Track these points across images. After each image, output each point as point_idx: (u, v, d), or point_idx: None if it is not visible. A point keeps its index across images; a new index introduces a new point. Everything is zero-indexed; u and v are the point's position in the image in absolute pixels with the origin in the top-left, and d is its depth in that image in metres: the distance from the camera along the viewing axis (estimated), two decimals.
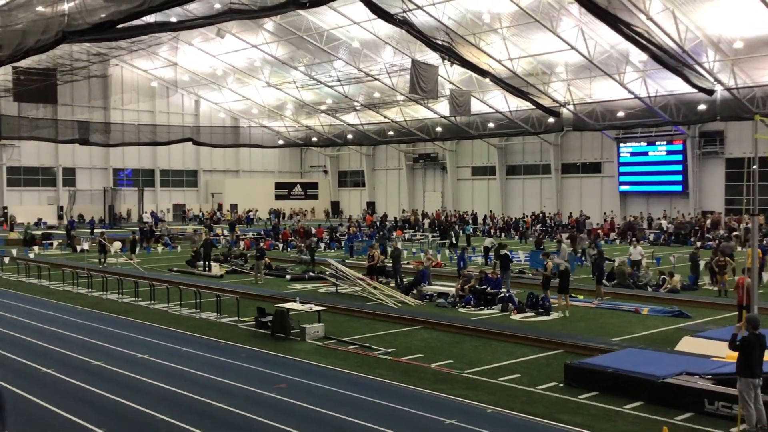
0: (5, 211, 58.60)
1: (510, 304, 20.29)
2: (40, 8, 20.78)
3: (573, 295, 21.35)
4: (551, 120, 45.80)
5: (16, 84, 50.65)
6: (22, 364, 14.34)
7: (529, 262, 30.52)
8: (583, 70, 42.00)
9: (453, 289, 22.09)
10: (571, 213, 51.90)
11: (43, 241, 41.48)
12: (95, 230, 46.86)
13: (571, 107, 44.99)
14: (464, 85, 45.54)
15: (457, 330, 17.44)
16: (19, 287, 26.00)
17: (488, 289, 21.29)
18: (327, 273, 25.62)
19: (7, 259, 32.18)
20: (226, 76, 59.20)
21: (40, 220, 58.28)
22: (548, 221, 51.46)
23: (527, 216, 53.18)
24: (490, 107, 49.39)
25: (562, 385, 12.51)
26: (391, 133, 57.65)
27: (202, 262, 30.14)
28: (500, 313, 20.02)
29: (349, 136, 61.11)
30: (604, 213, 50.64)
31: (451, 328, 17.60)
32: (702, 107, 39.89)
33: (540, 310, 19.82)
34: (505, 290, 21.54)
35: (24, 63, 39.27)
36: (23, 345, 16.16)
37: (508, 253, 24.67)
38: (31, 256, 34.85)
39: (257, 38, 49.04)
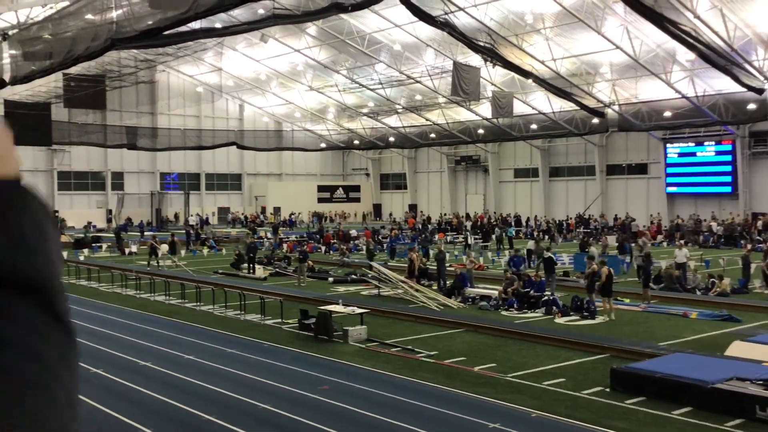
0: (56, 214, 60.22)
1: (554, 308, 20.06)
2: (89, 16, 21.30)
3: (618, 298, 21.02)
4: (595, 121, 45.16)
5: (66, 90, 51.99)
6: None
7: (573, 265, 30.13)
8: (628, 70, 41.35)
9: (496, 292, 21.93)
10: (616, 215, 51.10)
11: (93, 244, 42.46)
12: (145, 233, 47.77)
13: (616, 107, 44.32)
14: (506, 87, 45.21)
15: (500, 333, 17.31)
16: (69, 289, 26.61)
17: (532, 292, 21.08)
18: (369, 276, 25.69)
19: None
20: (270, 80, 59.85)
21: (89, 223, 59.70)
22: (593, 224, 50.75)
23: (571, 218, 52.53)
24: (533, 108, 48.93)
25: (608, 390, 12.32)
26: (432, 135, 57.55)
27: (246, 265, 30.51)
28: (544, 316, 19.82)
29: (391, 139, 61.21)
30: (651, 215, 49.72)
31: (494, 331, 17.48)
32: (752, 106, 38.90)
33: (585, 313, 19.56)
34: (549, 293, 21.31)
35: (74, 70, 40.22)
36: None
37: (552, 255, 24.41)
38: (81, 258, 35.69)
39: (300, 42, 49.48)
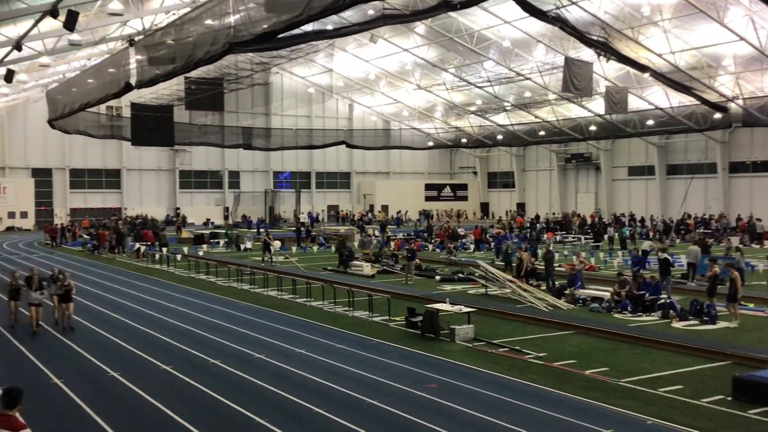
0: (178, 211, 63.37)
1: (671, 311, 19.24)
2: (208, 21, 22.23)
3: (743, 303, 19.89)
4: (717, 116, 42.87)
5: (187, 93, 54.75)
6: (192, 354, 15.42)
7: None
8: (753, 62, 39.06)
9: (608, 294, 21.27)
10: (739, 215, 48.34)
11: (211, 240, 44.37)
12: (261, 230, 49.39)
13: (740, 102, 41.96)
14: (621, 82, 43.72)
15: (612, 336, 16.77)
16: (189, 282, 27.96)
17: (647, 294, 20.29)
18: (476, 275, 25.52)
19: (179, 257, 34.70)
20: (379, 80, 60.56)
21: (208, 220, 62.47)
22: (714, 224, 48.22)
23: (688, 218, 50.10)
24: (650, 103, 47.08)
25: (729, 398, 11.70)
26: (542, 133, 56.42)
27: (353, 262, 31.01)
28: (660, 320, 19.03)
29: (499, 137, 60.49)
30: None
31: (607, 334, 16.95)
32: None
33: (705, 318, 18.64)
34: (665, 296, 20.45)
35: (195, 73, 42.24)
36: (193, 336, 17.38)
37: (669, 257, 23.41)
38: (200, 253, 37.34)
39: (408, 42, 49.76)
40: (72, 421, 11.00)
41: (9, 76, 29.64)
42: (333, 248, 33.95)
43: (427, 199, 73.19)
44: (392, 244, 40.81)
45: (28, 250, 41.99)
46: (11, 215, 57.71)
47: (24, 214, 58.34)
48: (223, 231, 47.69)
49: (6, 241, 48.10)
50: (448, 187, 75.65)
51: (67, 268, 32.29)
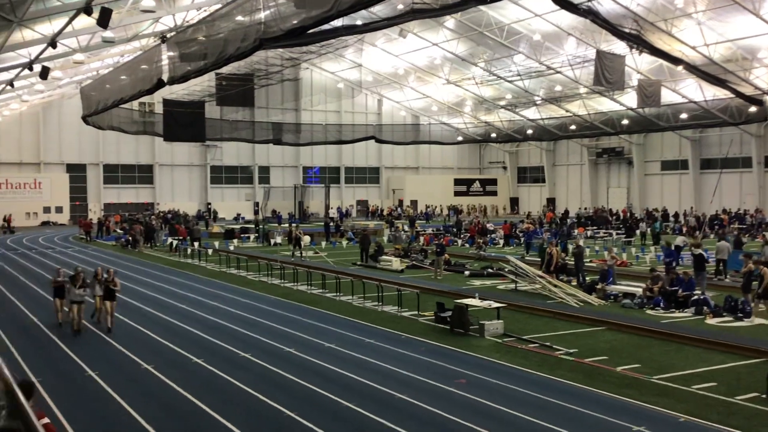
0: (209, 206, 64.03)
1: (705, 308, 18.96)
2: (239, 18, 22.38)
3: None
4: (753, 109, 42.01)
5: (218, 89, 55.21)
6: (223, 347, 15.59)
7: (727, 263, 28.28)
8: None
9: (640, 290, 21.03)
10: None
11: (242, 235, 44.76)
12: (283, 224, 49.74)
13: None
14: (654, 75, 43.09)
15: (645, 333, 16.59)
16: (220, 277, 28.25)
17: (680, 290, 20.03)
18: (506, 270, 25.40)
19: (210, 251, 35.06)
20: (408, 75, 60.46)
21: (238, 215, 63.02)
22: (749, 219, 47.37)
23: (722, 213, 49.29)
24: (683, 97, 46.36)
25: (764, 396, 11.52)
26: (573, 127, 55.86)
27: (382, 257, 31.05)
28: (693, 316, 18.78)
29: (529, 132, 60.03)
30: None
31: (639, 331, 16.77)
32: None
33: (739, 314, 18.34)
34: (699, 292, 20.16)
35: (225, 69, 42.50)
36: (224, 330, 17.57)
37: (703, 252, 23.06)
38: (231, 248, 37.68)
39: (438, 36, 49.59)
40: (106, 413, 11.19)
41: (44, 73, 30.15)
42: (378, 242, 34.15)
43: (456, 194, 73.00)
44: (421, 239, 40.79)
45: (63, 245, 42.76)
46: (47, 210, 58.80)
47: (59, 209, 59.40)
48: (259, 226, 47.99)
49: (41, 235, 49.02)
50: (477, 182, 75.36)
51: (101, 262, 32.81)
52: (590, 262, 27.91)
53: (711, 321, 18.16)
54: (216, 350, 15.37)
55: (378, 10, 36.35)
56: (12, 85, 35.94)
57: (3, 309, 20.64)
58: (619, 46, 37.03)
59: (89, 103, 41.56)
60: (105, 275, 17.52)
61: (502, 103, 58.53)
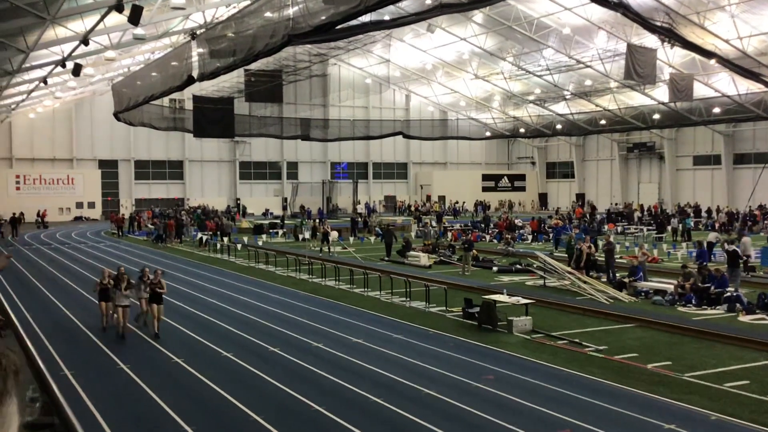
0: (238, 202, 64.55)
1: (738, 305, 18.67)
2: (268, 14, 22.48)
3: None
4: None
5: (247, 85, 55.53)
6: (252, 342, 15.72)
7: (760, 259, 27.86)
8: None
9: (672, 287, 20.77)
10: None
11: (270, 230, 45.04)
12: (318, 220, 49.86)
13: None
14: (686, 68, 42.43)
15: (676, 330, 16.38)
16: (249, 272, 28.47)
17: (712, 287, 19.74)
18: (534, 266, 25.24)
19: (239, 246, 35.35)
20: (436, 70, 60.27)
21: (267, 210, 63.43)
22: None
23: (755, 210, 48.42)
24: (716, 91, 45.58)
25: None
26: (603, 122, 55.25)
27: (410, 252, 31.04)
28: (726, 314, 18.50)
29: (558, 126, 59.48)
30: None
31: (670, 328, 16.56)
32: None
33: None
34: (732, 289, 19.85)
35: (254, 66, 42.72)
36: (253, 324, 17.71)
37: (737, 249, 22.69)
38: (260, 243, 37.96)
39: (466, 31, 49.32)
40: (137, 405, 11.36)
41: (76, 70, 30.58)
42: (406, 237, 34.21)
43: (485, 189, 72.65)
44: (449, 234, 40.70)
45: (95, 240, 43.41)
46: (79, 205, 59.72)
47: (91, 205, 60.29)
48: (298, 221, 48.16)
49: (74, 230, 49.82)
50: (505, 177, 74.93)
51: (132, 256, 33.26)
52: (620, 258, 27.61)
53: (744, 318, 17.88)
54: (245, 344, 15.50)
55: (406, 5, 36.19)
56: (45, 82, 36.53)
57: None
58: (650, 40, 36.54)
59: (120, 99, 42.10)
60: (151, 276, 16.41)
61: (531, 97, 58.06)
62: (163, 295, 16.34)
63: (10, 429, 1.02)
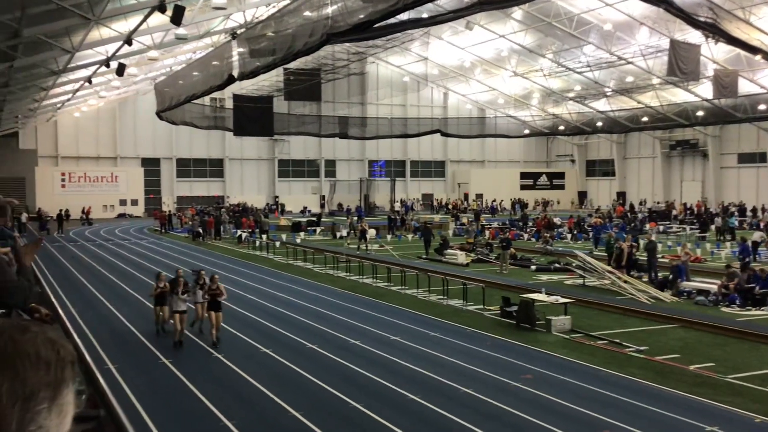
0: (276, 199, 65.12)
1: None
2: (307, 13, 22.64)
3: None
4: None
5: (286, 84, 56.02)
6: (290, 338, 15.87)
7: None
8: None
9: (715, 287, 20.38)
10: None
11: (308, 228, 45.36)
12: (356, 219, 50.04)
13: None
14: (730, 65, 41.54)
15: (719, 331, 16.08)
16: (287, 269, 28.71)
17: (757, 288, 19.31)
18: (573, 265, 24.99)
19: (278, 244, 35.65)
20: (474, 67, 59.96)
21: (305, 208, 63.86)
22: None
23: None
24: (762, 87, 44.53)
25: None
26: (645, 119, 54.33)
27: (447, 251, 30.99)
28: None
29: (599, 124, 58.65)
30: None
31: (713, 329, 16.27)
32: None
33: None
34: None
35: (293, 64, 43.03)
36: (291, 321, 17.87)
37: None
38: (298, 241, 38.24)
39: (505, 28, 48.97)
40: (177, 398, 11.57)
41: (120, 70, 31.17)
42: (444, 236, 34.30)
43: (523, 187, 72.08)
44: (487, 233, 40.49)
45: (138, 236, 44.22)
46: (123, 203, 60.89)
47: (134, 202, 61.42)
48: (322, 219, 48.37)
49: (118, 227, 50.81)
50: (544, 175, 74.22)
51: (174, 253, 33.80)
52: (662, 257, 27.17)
53: None
54: (283, 340, 15.66)
55: (444, 3, 36.15)
56: (90, 82, 37.28)
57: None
58: (693, 35, 35.83)
59: (163, 98, 42.80)
60: (208, 282, 15.39)
61: (571, 94, 57.40)
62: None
63: (66, 417, 1.08)
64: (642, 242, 28.65)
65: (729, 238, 37.50)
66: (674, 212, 51.68)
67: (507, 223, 47.12)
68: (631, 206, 57.00)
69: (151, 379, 12.68)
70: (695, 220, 46.37)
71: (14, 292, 4.20)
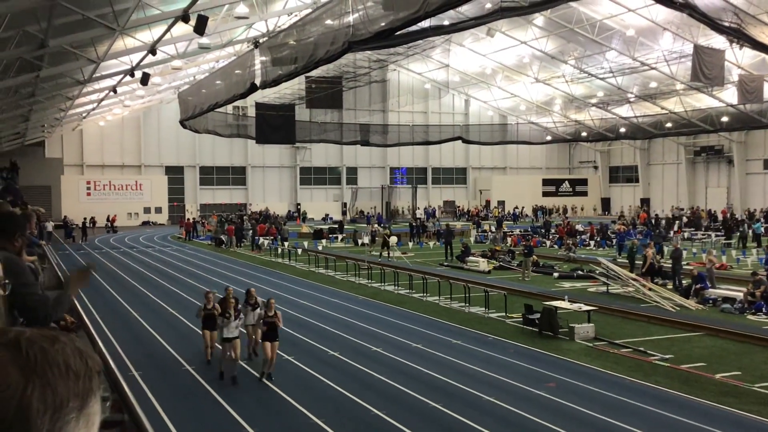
0: (298, 207, 65.39)
1: None
2: (328, 21, 22.76)
3: None
4: None
5: (308, 92, 56.32)
6: (313, 345, 15.90)
7: None
8: None
9: (741, 294, 20.09)
10: None
11: (330, 235, 45.45)
12: (377, 226, 50.11)
13: None
14: (755, 69, 41.05)
15: (745, 339, 15.85)
16: (309, 276, 28.78)
17: None
18: (597, 272, 24.78)
19: (300, 251, 35.78)
20: (495, 74, 59.83)
21: (327, 215, 64.05)
22: None
23: None
24: None
25: None
26: (668, 125, 53.81)
27: (469, 258, 30.88)
28: None
29: (622, 130, 58.21)
30: None
31: (739, 337, 16.04)
32: None
33: None
34: None
35: (315, 73, 43.28)
36: (313, 328, 17.91)
37: None
38: (320, 248, 38.33)
39: (526, 34, 48.85)
40: (198, 403, 11.62)
41: (144, 79, 31.52)
42: (465, 242, 34.35)
43: (545, 194, 71.71)
44: (509, 240, 40.30)
45: (162, 243, 44.61)
46: (147, 210, 61.49)
47: (158, 210, 62.00)
48: (344, 226, 48.40)
49: (142, 234, 51.30)
50: (566, 182, 73.78)
51: (197, 260, 34.04)
52: (687, 264, 26.85)
53: None
54: (305, 347, 15.69)
55: (465, 10, 36.13)
56: (115, 91, 37.75)
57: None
58: (718, 41, 35.48)
59: (186, 107, 43.20)
60: (264, 309, 13.32)
61: (593, 101, 57.06)
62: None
63: (93, 427, 1.11)
64: (667, 249, 28.34)
65: (755, 245, 36.95)
66: (703, 221, 50.94)
67: (529, 230, 46.87)
68: (656, 216, 56.38)
69: (174, 386, 12.76)
70: (720, 227, 45.79)
71: (36, 307, 3.75)
